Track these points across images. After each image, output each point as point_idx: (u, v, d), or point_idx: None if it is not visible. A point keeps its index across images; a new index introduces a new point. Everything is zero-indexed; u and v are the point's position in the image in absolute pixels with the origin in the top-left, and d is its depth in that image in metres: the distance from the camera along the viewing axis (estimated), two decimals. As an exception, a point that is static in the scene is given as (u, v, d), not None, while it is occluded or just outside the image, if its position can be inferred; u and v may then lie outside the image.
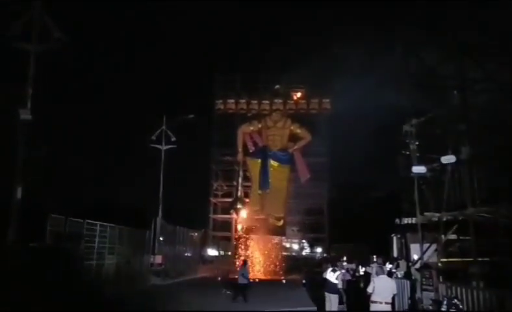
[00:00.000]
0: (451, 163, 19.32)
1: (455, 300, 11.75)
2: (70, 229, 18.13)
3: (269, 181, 34.73)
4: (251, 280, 18.53)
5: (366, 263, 20.82)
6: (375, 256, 21.15)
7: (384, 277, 11.48)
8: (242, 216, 35.57)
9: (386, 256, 22.88)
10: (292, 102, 36.56)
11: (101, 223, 20.31)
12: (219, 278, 26.22)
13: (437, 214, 20.50)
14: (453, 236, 18.75)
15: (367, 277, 15.68)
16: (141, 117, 29.91)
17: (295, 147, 35.72)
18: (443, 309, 11.80)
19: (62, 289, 15.64)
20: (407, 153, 21.93)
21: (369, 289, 11.09)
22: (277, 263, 33.80)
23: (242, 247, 34.45)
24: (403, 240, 23.81)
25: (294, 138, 35.95)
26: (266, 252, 34.17)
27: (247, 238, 34.65)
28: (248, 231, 34.99)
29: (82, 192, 36.51)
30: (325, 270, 14.65)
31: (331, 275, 14.04)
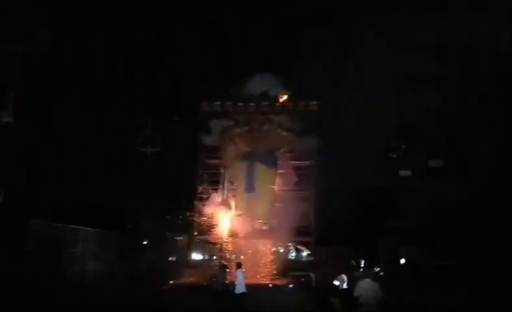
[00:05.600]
0: (439, 166, 19.36)
1: None
2: (53, 234, 17.70)
3: (255, 184, 34.47)
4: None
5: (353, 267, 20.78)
6: (362, 260, 21.07)
7: (367, 280, 11.47)
8: (228, 220, 35.25)
9: (374, 259, 22.86)
10: (279, 104, 36.32)
11: (84, 228, 19.91)
12: (204, 283, 25.84)
13: (423, 218, 20.52)
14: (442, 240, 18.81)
15: (353, 281, 15.60)
16: (126, 118, 29.66)
17: (282, 150, 35.52)
18: None
19: (43, 294, 15.22)
20: (394, 156, 21.93)
21: (355, 292, 11.12)
22: (263, 267, 33.54)
23: (228, 251, 34.12)
24: (390, 244, 23.83)
25: (280, 140, 35.73)
26: (252, 256, 33.87)
27: (233, 242, 34.36)
28: (234, 235, 34.67)
29: (64, 194, 35.79)
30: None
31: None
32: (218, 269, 16.93)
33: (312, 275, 18.30)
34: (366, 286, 10.92)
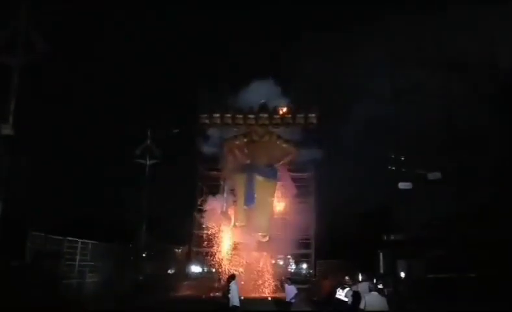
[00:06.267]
0: (437, 179, 19.33)
1: None
2: (50, 246, 17.63)
3: (255, 196, 34.35)
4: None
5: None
6: (360, 274, 20.85)
7: (375, 293, 11.41)
8: (227, 231, 35.14)
9: (374, 272, 22.70)
10: (278, 116, 36.31)
11: (82, 240, 19.82)
12: (203, 296, 25.74)
13: (424, 230, 20.46)
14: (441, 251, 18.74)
15: (356, 295, 15.47)
16: (125, 130, 29.79)
17: (281, 162, 35.47)
18: None
19: (41, 307, 15.12)
20: (393, 168, 21.91)
21: (361, 305, 11.03)
22: (263, 280, 33.36)
23: (227, 263, 33.98)
24: (389, 257, 23.70)
25: (280, 152, 35.68)
26: (251, 268, 33.71)
27: (233, 255, 34.22)
28: (233, 247, 34.53)
29: (63, 207, 35.75)
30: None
31: (341, 294, 13.90)
32: (224, 282, 16.60)
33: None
34: (372, 300, 10.84)
